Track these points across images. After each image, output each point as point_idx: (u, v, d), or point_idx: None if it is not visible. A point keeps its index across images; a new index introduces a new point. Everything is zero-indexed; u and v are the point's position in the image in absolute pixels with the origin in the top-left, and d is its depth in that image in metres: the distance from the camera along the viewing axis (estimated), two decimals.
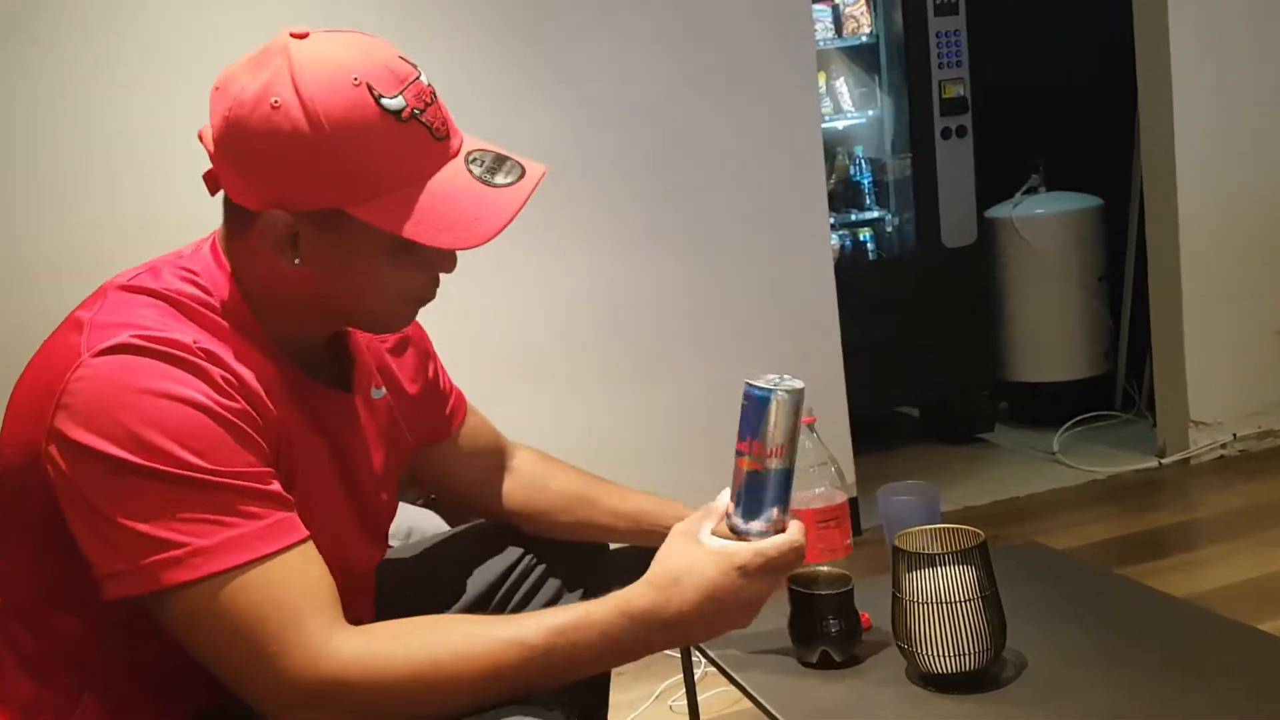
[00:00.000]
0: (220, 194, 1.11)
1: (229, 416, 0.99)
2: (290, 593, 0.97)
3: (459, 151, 1.08)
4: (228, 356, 1.03)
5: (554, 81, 2.96)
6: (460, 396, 1.46)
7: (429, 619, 1.04)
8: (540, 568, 1.47)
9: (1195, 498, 3.47)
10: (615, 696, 1.56)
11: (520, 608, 1.43)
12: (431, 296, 1.14)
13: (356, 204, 1.02)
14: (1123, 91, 3.79)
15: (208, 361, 1.00)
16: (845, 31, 4.05)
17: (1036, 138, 4.33)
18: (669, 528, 1.15)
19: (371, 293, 1.09)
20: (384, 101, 1.01)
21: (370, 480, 1.25)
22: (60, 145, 2.62)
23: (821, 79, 3.94)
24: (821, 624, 1.42)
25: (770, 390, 1.15)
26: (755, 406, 1.15)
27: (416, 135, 1.03)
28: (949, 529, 1.37)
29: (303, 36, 1.04)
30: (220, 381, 1.00)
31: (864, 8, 4.04)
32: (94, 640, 1.06)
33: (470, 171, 1.06)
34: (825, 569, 1.46)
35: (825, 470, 1.46)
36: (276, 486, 1.01)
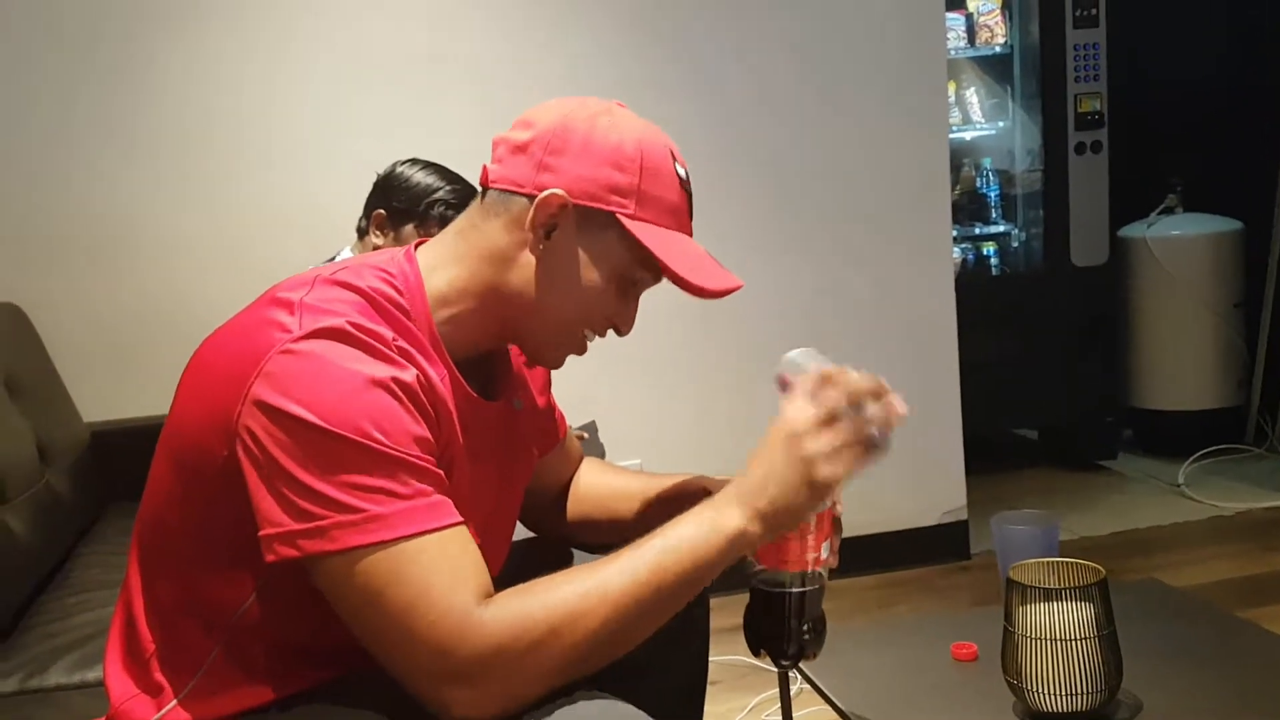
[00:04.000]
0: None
1: (414, 409, 1.05)
2: (451, 567, 1.01)
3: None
4: (418, 357, 1.10)
5: (680, 80, 2.95)
6: (561, 414, 1.51)
7: (562, 573, 1.06)
8: None
9: None
10: (710, 707, 1.53)
11: None
12: (595, 336, 1.22)
13: (631, 219, 1.13)
14: (1267, 113, 3.63)
15: (403, 358, 1.07)
16: (978, 41, 3.97)
17: (1175, 156, 4.17)
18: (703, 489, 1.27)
19: (562, 310, 1.17)
20: (678, 166, 1.19)
21: (504, 490, 1.30)
22: (210, 134, 2.72)
23: (951, 88, 3.85)
24: (794, 625, 1.21)
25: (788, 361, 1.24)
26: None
27: (685, 202, 1.20)
28: (1067, 563, 1.32)
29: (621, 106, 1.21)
30: (412, 379, 1.06)
31: (999, 17, 3.95)
32: (232, 604, 1.10)
33: (705, 252, 1.20)
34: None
35: None
36: (439, 471, 1.06)
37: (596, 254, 1.15)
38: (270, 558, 1.01)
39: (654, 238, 1.14)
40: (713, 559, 1.06)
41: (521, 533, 1.64)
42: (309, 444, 0.99)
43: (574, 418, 2.39)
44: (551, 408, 1.46)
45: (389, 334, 1.07)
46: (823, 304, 3.09)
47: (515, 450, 1.32)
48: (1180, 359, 4.05)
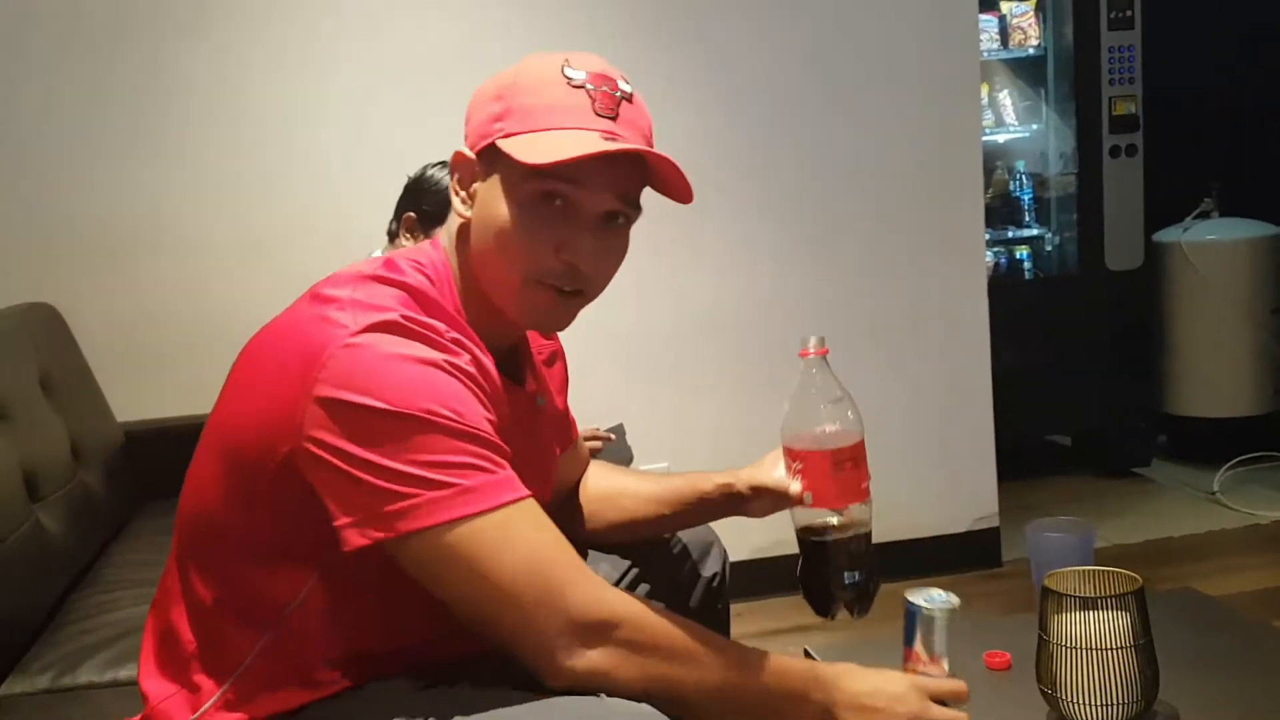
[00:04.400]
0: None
1: (475, 388, 1.07)
2: (553, 532, 1.05)
3: (613, 134, 1.12)
4: (468, 344, 1.12)
5: (709, 83, 2.95)
6: (573, 417, 1.52)
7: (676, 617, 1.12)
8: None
9: None
10: None
11: (657, 587, 1.49)
12: (559, 282, 1.15)
13: (505, 137, 1.11)
14: None
15: (457, 346, 1.09)
16: (1012, 43, 3.93)
17: (1211, 159, 4.12)
18: (710, 488, 1.40)
19: (503, 258, 1.14)
20: (567, 70, 1.13)
21: (535, 482, 1.28)
22: (237, 138, 2.74)
23: (984, 91, 3.82)
24: (837, 575, 1.28)
25: (920, 607, 1.33)
26: (909, 620, 1.34)
27: (578, 100, 1.12)
28: (1103, 571, 1.30)
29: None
30: (468, 363, 1.09)
31: (1033, 19, 3.91)
32: (280, 603, 1.10)
33: (600, 136, 1.11)
34: (836, 520, 1.28)
35: (840, 407, 1.27)
36: (505, 449, 1.08)
37: (499, 188, 1.13)
38: (350, 546, 1.01)
39: (519, 146, 1.09)
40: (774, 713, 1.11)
41: None
42: (383, 430, 1.00)
43: (602, 420, 2.41)
44: (568, 410, 1.48)
45: (441, 325, 1.09)
46: (854, 307, 3.07)
47: (542, 445, 1.33)
48: (1216, 365, 4.00)
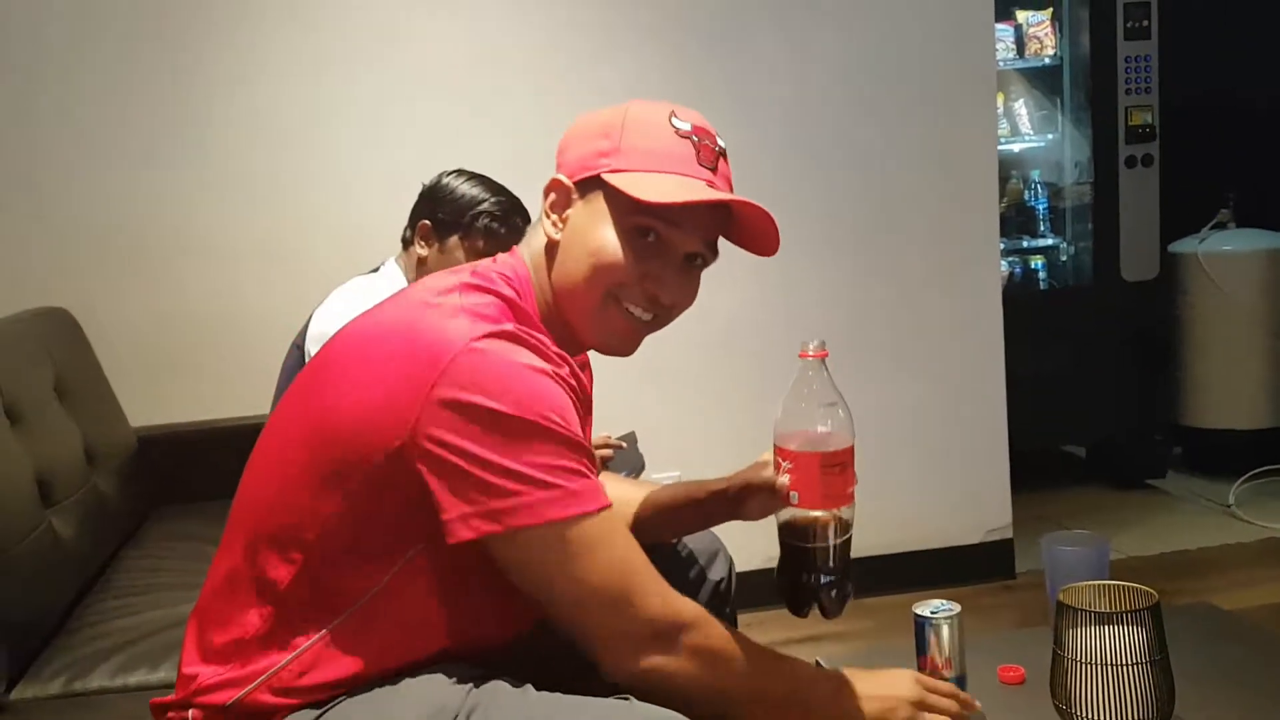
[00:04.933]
0: None
1: (575, 401, 1.15)
2: (636, 543, 1.14)
3: (713, 184, 1.22)
4: (566, 357, 1.20)
5: (726, 93, 2.95)
6: None
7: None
8: None
9: None
10: None
11: None
12: (638, 307, 1.24)
13: (612, 172, 1.19)
14: None
15: (559, 359, 1.18)
16: (1027, 52, 3.92)
17: (1228, 170, 4.10)
18: (704, 495, 1.46)
19: (586, 276, 1.20)
20: (675, 120, 1.23)
21: None
22: (254, 143, 2.74)
23: (1000, 99, 3.81)
24: (814, 575, 1.32)
25: (928, 618, 1.41)
26: (921, 631, 1.41)
27: (684, 149, 1.21)
28: (1119, 586, 1.29)
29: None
30: (566, 374, 1.17)
31: (1049, 29, 3.90)
32: (357, 593, 1.13)
33: (704, 185, 1.21)
34: (819, 522, 1.30)
35: (833, 411, 1.29)
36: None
37: (596, 215, 1.20)
38: (456, 538, 1.07)
39: (628, 181, 1.18)
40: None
41: None
42: (501, 431, 1.07)
43: (614, 428, 2.40)
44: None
45: (544, 338, 1.17)
46: (869, 317, 3.06)
47: None
48: (1231, 377, 3.98)
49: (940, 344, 3.13)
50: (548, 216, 1.24)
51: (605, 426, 2.39)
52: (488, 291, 1.19)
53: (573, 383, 1.17)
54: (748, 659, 1.17)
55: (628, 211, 1.18)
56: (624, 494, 1.53)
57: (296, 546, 1.14)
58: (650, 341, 3.16)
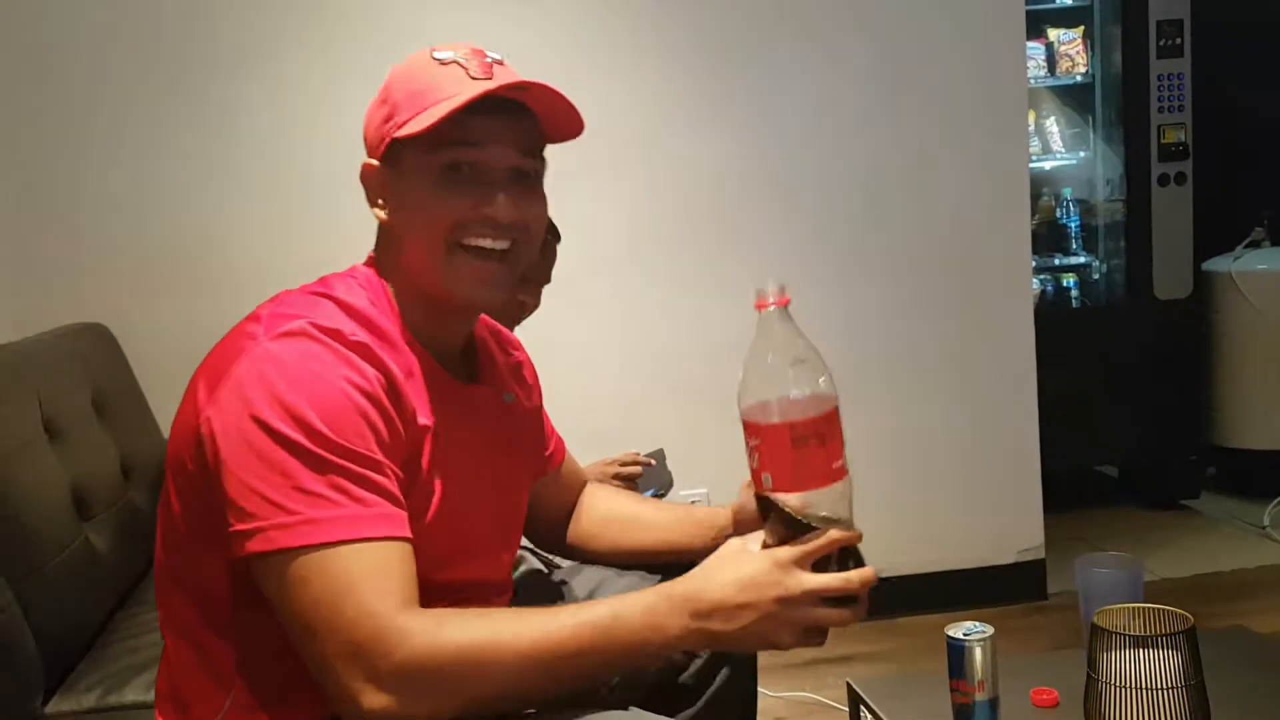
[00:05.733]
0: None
1: (368, 406, 1.07)
2: (377, 575, 1.02)
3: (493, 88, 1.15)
4: (380, 350, 1.12)
5: (756, 111, 2.96)
6: (560, 442, 1.54)
7: (496, 609, 1.11)
8: None
9: None
10: None
11: None
12: (481, 239, 1.17)
13: (399, 128, 1.15)
14: None
15: (360, 354, 1.09)
16: (1059, 70, 3.92)
17: (1262, 188, 4.07)
18: (720, 527, 1.38)
19: (426, 232, 1.16)
20: (435, 54, 1.18)
21: (503, 475, 1.32)
22: (291, 164, 2.78)
23: (1031, 117, 3.80)
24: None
25: (961, 640, 1.38)
26: (954, 653, 1.39)
27: (452, 73, 1.15)
28: (1153, 609, 1.28)
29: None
30: (370, 373, 1.08)
31: (1080, 47, 3.89)
32: (245, 615, 1.11)
33: (473, 79, 1.15)
34: (797, 499, 1.06)
35: (804, 370, 1.07)
36: (391, 484, 1.07)
37: (407, 178, 1.16)
38: (230, 555, 1.04)
39: (412, 124, 1.13)
40: (639, 653, 1.07)
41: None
42: (255, 444, 1.02)
43: (642, 445, 2.40)
44: (540, 428, 1.49)
45: (348, 329, 1.10)
46: (898, 334, 3.05)
47: (512, 439, 1.35)
48: (1266, 396, 3.94)
49: (972, 362, 3.11)
50: (373, 206, 1.21)
51: (633, 443, 2.40)
52: (313, 293, 1.16)
53: (366, 384, 1.07)
54: (510, 641, 1.02)
55: (427, 153, 1.14)
56: (638, 513, 1.54)
57: (188, 570, 1.16)
58: (680, 358, 3.16)
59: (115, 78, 2.72)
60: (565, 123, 1.19)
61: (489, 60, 1.17)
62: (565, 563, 1.73)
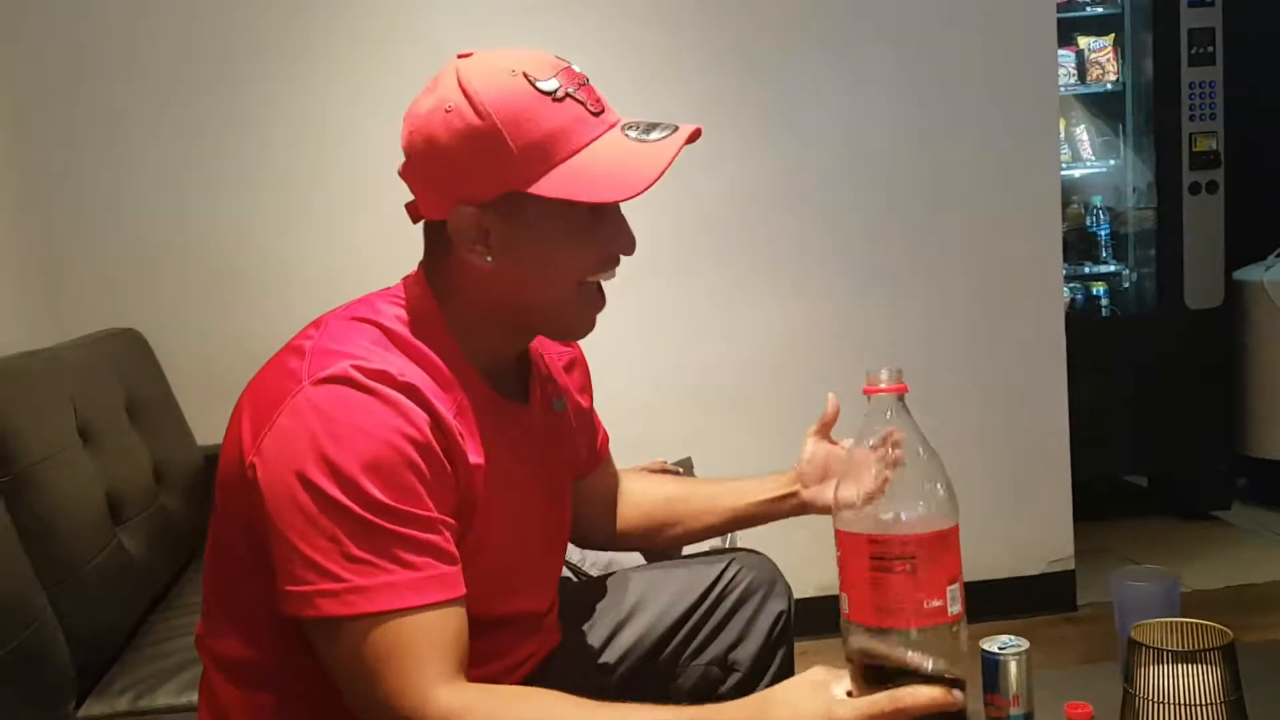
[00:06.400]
0: (421, 223, 1.20)
1: (418, 458, 1.03)
2: (420, 645, 1.01)
3: (616, 124, 1.13)
4: (428, 389, 1.08)
5: (786, 122, 2.95)
6: (606, 436, 1.52)
7: (540, 692, 1.05)
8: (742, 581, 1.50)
9: None
10: None
11: (722, 624, 1.48)
12: (606, 276, 1.17)
13: (530, 183, 1.07)
14: None
15: (409, 396, 1.05)
16: (1089, 78, 3.89)
17: None
18: (769, 498, 1.42)
19: (557, 280, 1.13)
20: (539, 84, 1.08)
21: (552, 493, 1.31)
22: (326, 169, 2.80)
23: (1061, 125, 3.78)
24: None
25: (996, 654, 1.34)
26: (989, 668, 1.34)
27: (573, 111, 1.09)
28: (1191, 624, 1.26)
29: (467, 56, 1.13)
30: (420, 418, 1.05)
31: (1111, 54, 3.87)
32: (293, 656, 1.10)
33: (626, 135, 1.10)
34: (884, 646, 0.90)
35: (907, 474, 0.89)
36: (442, 539, 1.05)
37: (537, 226, 1.11)
38: (279, 612, 1.04)
39: (560, 184, 1.07)
40: None
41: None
42: (303, 506, 1.00)
43: (669, 453, 2.40)
44: (591, 423, 1.48)
45: (395, 368, 1.06)
46: (927, 343, 3.04)
47: (560, 449, 1.34)
48: None
49: (1002, 370, 3.10)
50: (472, 250, 1.12)
51: (660, 452, 2.39)
52: (360, 320, 1.13)
53: (424, 435, 1.04)
54: None
55: (568, 209, 1.09)
56: (686, 492, 1.56)
57: (230, 611, 1.19)
58: (708, 365, 3.16)
59: (147, 83, 2.74)
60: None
61: (587, 82, 1.13)
62: (592, 569, 1.73)
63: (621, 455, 2.19)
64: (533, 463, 1.25)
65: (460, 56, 1.13)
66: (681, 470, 2.38)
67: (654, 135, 1.09)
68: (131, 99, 2.74)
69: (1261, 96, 3.93)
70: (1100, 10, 3.89)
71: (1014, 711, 1.35)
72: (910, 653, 0.89)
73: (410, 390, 1.05)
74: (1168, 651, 1.22)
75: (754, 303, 2.95)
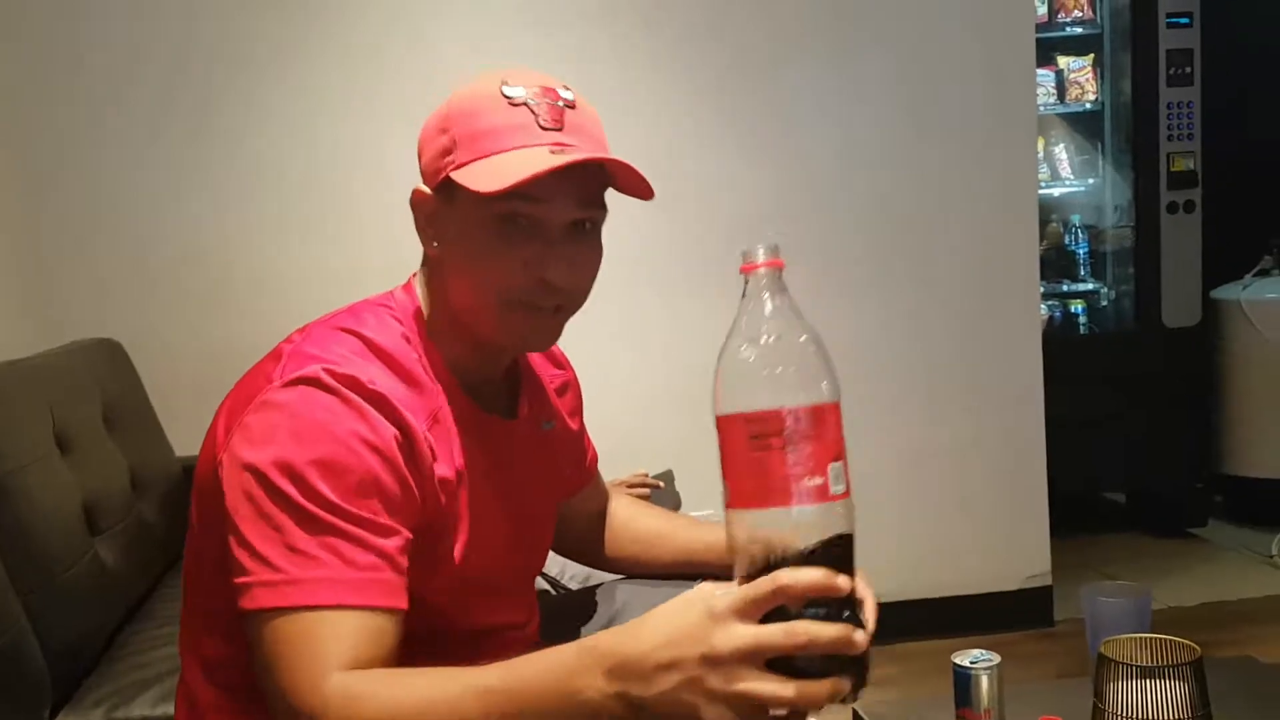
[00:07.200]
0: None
1: (376, 464, 1.02)
2: (330, 641, 0.97)
3: (560, 143, 1.10)
4: (401, 399, 1.07)
5: (771, 130, 2.97)
6: (595, 455, 1.52)
7: (418, 669, 1.00)
8: None
9: None
10: None
11: None
12: (534, 299, 1.12)
13: (457, 168, 1.09)
14: None
15: (376, 406, 1.04)
16: (1068, 97, 3.93)
17: (1272, 216, 4.07)
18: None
19: (479, 285, 1.12)
20: (505, 88, 1.11)
21: (535, 510, 1.31)
22: (308, 177, 2.79)
23: (1040, 144, 3.82)
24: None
25: (968, 668, 1.39)
26: (961, 681, 1.39)
27: (520, 118, 1.10)
28: (1161, 639, 1.28)
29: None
30: (384, 428, 1.04)
31: (1090, 74, 3.91)
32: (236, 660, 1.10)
33: (549, 150, 1.08)
34: (749, 518, 0.82)
35: (782, 348, 0.84)
36: (390, 546, 1.02)
37: (462, 219, 1.11)
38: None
39: (472, 174, 1.08)
40: (562, 699, 0.91)
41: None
42: (256, 499, 1.00)
43: (650, 466, 2.41)
44: (580, 442, 1.48)
45: (366, 376, 1.05)
46: (907, 358, 3.06)
47: (547, 469, 1.33)
48: (1275, 425, 3.93)
49: (979, 387, 3.12)
50: (422, 233, 1.16)
51: (643, 462, 2.40)
52: (341, 330, 1.12)
53: (385, 440, 1.03)
54: (433, 698, 0.94)
55: (484, 204, 1.07)
56: (668, 531, 1.54)
57: (210, 608, 1.18)
58: (689, 378, 3.16)
59: (129, 96, 2.74)
60: (635, 186, 1.13)
61: (560, 104, 1.11)
62: (571, 582, 1.73)
63: (603, 467, 2.20)
64: (516, 477, 1.24)
65: None
66: (662, 485, 2.39)
67: (568, 155, 1.07)
68: (110, 111, 2.74)
69: (1238, 117, 3.97)
70: (1080, 30, 3.93)
71: None
72: (791, 532, 0.80)
73: (378, 400, 1.05)
74: (1136, 667, 1.23)
75: (733, 314, 2.95)
